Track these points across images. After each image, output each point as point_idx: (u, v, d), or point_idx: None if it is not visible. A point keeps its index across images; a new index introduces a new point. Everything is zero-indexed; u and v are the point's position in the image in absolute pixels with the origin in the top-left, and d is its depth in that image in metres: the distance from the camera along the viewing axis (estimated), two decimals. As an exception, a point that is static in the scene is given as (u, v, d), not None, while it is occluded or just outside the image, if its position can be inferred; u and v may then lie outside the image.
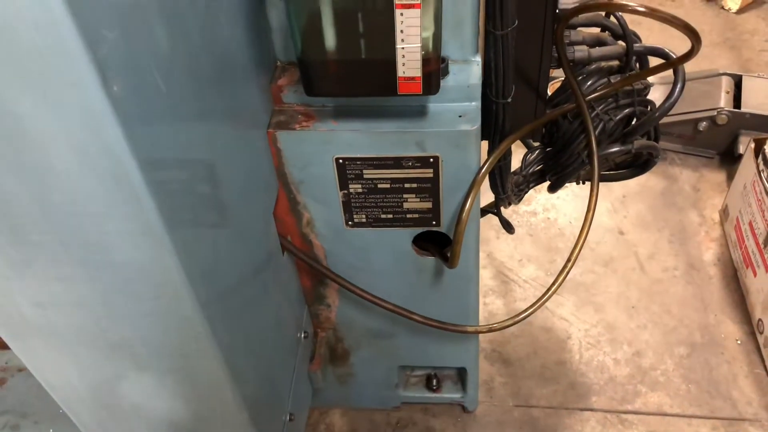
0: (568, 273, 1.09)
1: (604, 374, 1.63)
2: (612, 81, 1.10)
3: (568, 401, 1.59)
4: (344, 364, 1.43)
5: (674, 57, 1.04)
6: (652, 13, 0.89)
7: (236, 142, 0.90)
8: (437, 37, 0.84)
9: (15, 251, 0.70)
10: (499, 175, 1.15)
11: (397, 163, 1.02)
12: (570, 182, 1.24)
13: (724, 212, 1.92)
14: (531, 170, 1.25)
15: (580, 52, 1.09)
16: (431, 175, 1.03)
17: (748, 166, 1.75)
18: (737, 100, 2.04)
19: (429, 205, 1.08)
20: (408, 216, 1.10)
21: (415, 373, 1.54)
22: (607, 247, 1.91)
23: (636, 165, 1.25)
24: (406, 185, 1.05)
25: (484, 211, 1.33)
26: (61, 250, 0.70)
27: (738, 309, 1.73)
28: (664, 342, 1.69)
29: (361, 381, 1.47)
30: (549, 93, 1.16)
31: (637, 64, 1.13)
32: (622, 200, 2.02)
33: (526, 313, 1.13)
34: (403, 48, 0.84)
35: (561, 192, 1.63)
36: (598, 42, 1.12)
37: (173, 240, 0.70)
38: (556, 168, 1.21)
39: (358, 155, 1.02)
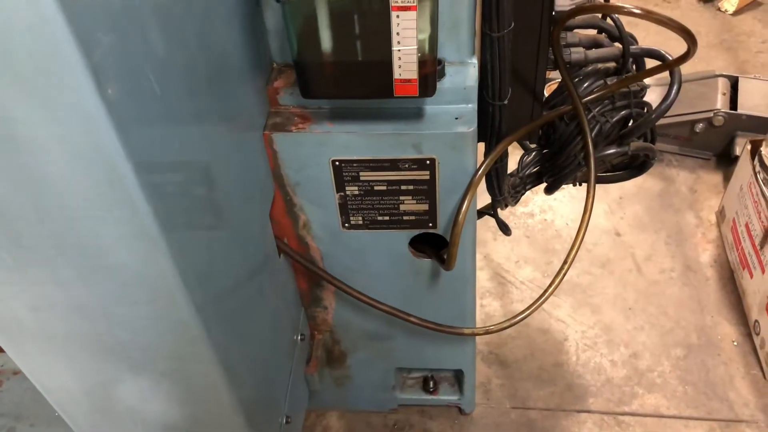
0: (564, 275, 1.09)
1: (601, 376, 1.63)
2: (608, 83, 1.10)
3: (565, 403, 1.59)
4: (341, 367, 1.43)
5: (670, 59, 1.04)
6: (648, 16, 0.89)
7: (232, 144, 0.90)
8: (433, 39, 0.84)
9: (10, 255, 0.70)
10: (495, 177, 1.15)
11: (393, 165, 1.02)
12: (567, 184, 1.24)
13: (721, 214, 1.92)
14: (528, 172, 1.24)
15: (577, 54, 1.09)
16: (428, 177, 1.03)
17: (744, 168, 1.75)
18: (734, 102, 2.04)
19: (425, 207, 1.07)
20: (404, 218, 1.10)
21: (412, 375, 1.54)
22: (604, 248, 1.91)
23: (633, 167, 1.25)
24: (403, 187, 1.05)
25: (481, 213, 1.33)
26: (56, 253, 0.69)
27: (734, 310, 1.74)
28: (660, 343, 1.69)
29: (358, 383, 1.47)
30: (546, 94, 1.16)
31: (634, 66, 1.13)
32: (619, 202, 2.02)
33: (523, 315, 1.12)
34: (399, 50, 0.84)
35: (558, 193, 1.63)
36: (595, 44, 1.12)
37: (168, 243, 0.69)
38: (553, 170, 1.21)
39: (355, 157, 1.01)
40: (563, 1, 1.07)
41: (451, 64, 0.98)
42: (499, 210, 1.29)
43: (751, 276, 1.68)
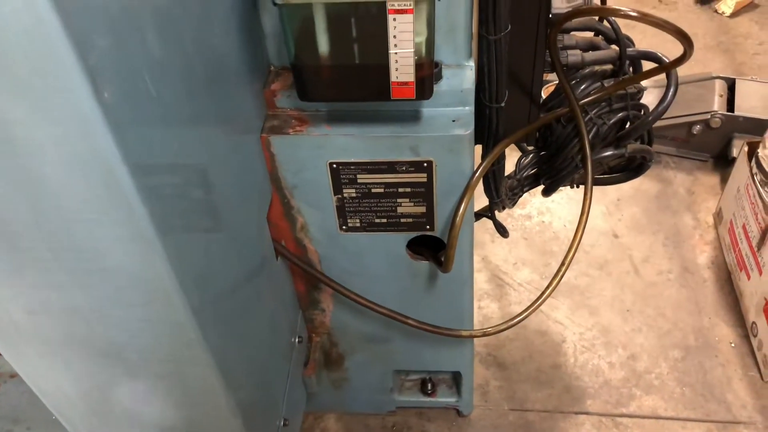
0: (562, 277, 1.10)
1: (599, 378, 1.63)
2: (605, 85, 1.11)
3: (563, 405, 1.59)
4: (339, 369, 1.43)
5: (667, 61, 1.04)
6: (645, 18, 0.90)
7: (229, 147, 0.90)
8: (430, 42, 0.84)
9: (6, 258, 0.70)
10: (492, 179, 1.15)
11: (390, 167, 1.02)
12: (564, 186, 1.24)
13: (718, 215, 1.92)
14: (525, 174, 1.25)
15: (574, 56, 1.09)
16: (425, 180, 1.03)
17: (741, 170, 1.75)
18: (731, 104, 2.04)
19: (423, 209, 1.08)
20: (402, 220, 1.10)
21: (409, 378, 1.54)
22: (602, 250, 1.91)
23: (630, 169, 1.25)
24: (400, 190, 1.05)
25: (479, 215, 1.33)
26: (52, 256, 0.69)
27: (732, 312, 1.74)
28: (658, 345, 1.69)
29: (355, 385, 1.47)
30: (543, 96, 1.16)
31: (631, 68, 1.13)
32: (617, 203, 2.03)
33: (520, 317, 1.12)
34: (396, 53, 0.84)
35: (555, 195, 1.63)
36: (592, 46, 1.12)
37: (165, 246, 0.69)
38: (550, 172, 1.21)
39: (352, 160, 1.01)
40: (560, 3, 1.08)
41: (448, 66, 0.98)
42: (496, 212, 1.29)
43: (749, 278, 1.68)
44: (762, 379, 1.60)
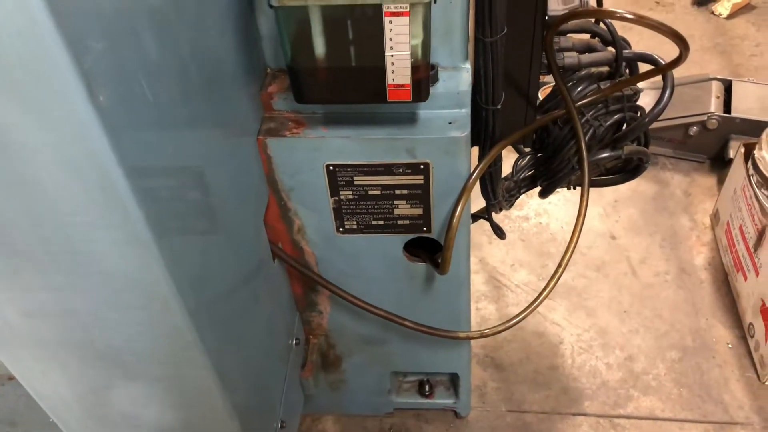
0: (559, 278, 1.10)
1: (597, 379, 1.64)
2: (602, 87, 1.11)
3: (561, 406, 1.59)
4: (336, 371, 1.43)
5: (663, 63, 1.04)
6: (641, 21, 0.90)
7: (226, 149, 0.90)
8: (426, 44, 0.84)
9: (1, 261, 0.69)
10: (489, 181, 1.15)
11: (387, 169, 1.02)
12: (561, 188, 1.24)
13: (715, 216, 1.93)
14: (522, 176, 1.25)
15: (570, 58, 1.09)
16: (422, 182, 1.03)
17: (738, 171, 1.76)
18: (727, 105, 2.05)
19: (420, 211, 1.08)
20: (399, 222, 1.10)
21: (407, 379, 1.54)
22: (599, 251, 1.91)
23: (626, 170, 1.25)
24: (397, 192, 1.05)
25: (476, 217, 1.33)
26: (49, 259, 0.69)
27: (729, 313, 1.74)
28: (655, 346, 1.69)
29: (353, 387, 1.47)
30: (540, 98, 1.16)
31: (627, 70, 1.14)
32: (614, 205, 2.03)
33: (517, 319, 1.13)
34: (392, 56, 0.84)
35: (553, 197, 1.64)
36: (588, 48, 1.12)
37: (161, 249, 0.69)
38: (547, 173, 1.21)
39: (349, 162, 1.02)
40: (556, 5, 1.08)
41: (444, 69, 0.98)
42: (493, 214, 1.30)
43: (746, 279, 1.68)
44: (759, 379, 1.61)
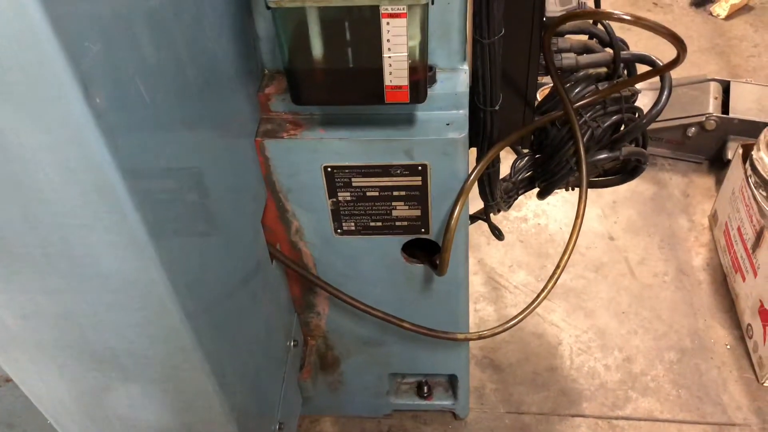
0: (557, 279, 1.10)
1: (595, 380, 1.63)
2: (600, 88, 1.11)
3: (559, 407, 1.59)
4: (334, 372, 1.43)
5: (661, 64, 1.04)
6: (638, 22, 0.90)
7: (223, 151, 0.90)
8: (424, 46, 0.84)
9: (-1, 263, 0.69)
10: (487, 182, 1.15)
11: (385, 171, 1.02)
12: (559, 188, 1.24)
13: (713, 217, 1.93)
14: (520, 177, 1.25)
15: (568, 59, 1.09)
16: (420, 183, 1.03)
17: (736, 172, 1.76)
18: (725, 106, 2.05)
19: (418, 212, 1.08)
20: (397, 224, 1.10)
21: (405, 381, 1.54)
22: (598, 252, 1.91)
23: (624, 171, 1.25)
24: (395, 193, 1.05)
25: (474, 218, 1.33)
26: (46, 262, 0.69)
27: (727, 314, 1.74)
28: (654, 347, 1.69)
29: (351, 389, 1.47)
30: (538, 99, 1.16)
31: (625, 71, 1.14)
32: (613, 206, 2.03)
33: (516, 320, 1.13)
34: (389, 57, 0.84)
35: (551, 198, 1.63)
36: (586, 49, 1.12)
37: (158, 251, 0.69)
38: (545, 175, 1.21)
39: (347, 163, 1.01)
40: (554, 7, 1.08)
41: (442, 70, 0.98)
42: (492, 215, 1.29)
43: (744, 279, 1.68)
44: (757, 380, 1.61)
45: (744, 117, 2.00)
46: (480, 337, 1.17)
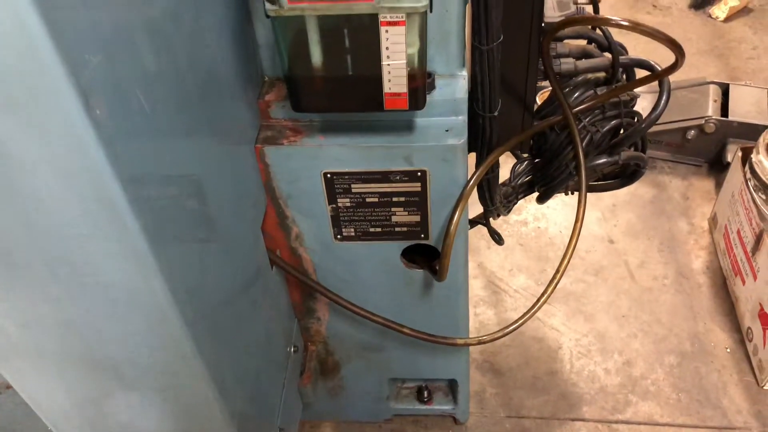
0: (557, 284, 1.10)
1: (595, 384, 1.64)
2: (598, 93, 1.11)
3: (559, 411, 1.59)
4: (335, 378, 1.43)
5: (659, 69, 1.04)
6: (636, 28, 0.90)
7: (223, 158, 0.90)
8: (423, 53, 0.84)
9: (-1, 272, 0.70)
10: (487, 187, 1.16)
11: (384, 177, 1.02)
12: (559, 193, 1.25)
13: (713, 220, 1.93)
14: (520, 181, 1.25)
15: (567, 64, 1.09)
16: (419, 189, 1.03)
17: (735, 175, 1.76)
18: (725, 109, 2.05)
19: (417, 218, 1.08)
20: (396, 229, 1.10)
21: (406, 386, 1.54)
22: (597, 255, 1.91)
23: (624, 176, 1.25)
24: (395, 199, 1.05)
25: (474, 222, 1.33)
26: (46, 271, 0.69)
27: (727, 317, 1.74)
28: (654, 351, 1.69)
29: (351, 394, 1.47)
30: (539, 103, 1.16)
31: (624, 76, 1.14)
32: (612, 209, 2.03)
33: (516, 325, 1.13)
34: (388, 64, 0.84)
35: (551, 201, 1.64)
36: (585, 54, 1.12)
37: (158, 259, 0.69)
38: (545, 179, 1.21)
39: (346, 170, 1.02)
40: (552, 12, 1.08)
41: (441, 76, 0.99)
42: (491, 219, 1.30)
43: (744, 283, 1.68)
44: (758, 384, 1.61)
45: (743, 120, 2.00)
46: (480, 342, 1.17)
